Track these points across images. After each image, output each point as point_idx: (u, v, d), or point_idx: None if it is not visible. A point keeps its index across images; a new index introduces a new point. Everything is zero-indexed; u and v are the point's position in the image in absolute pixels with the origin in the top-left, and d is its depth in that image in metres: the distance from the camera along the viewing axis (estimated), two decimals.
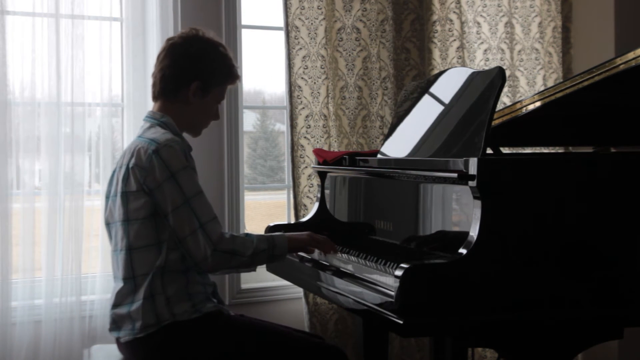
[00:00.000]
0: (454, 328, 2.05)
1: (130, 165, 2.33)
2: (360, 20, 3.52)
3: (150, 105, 2.57)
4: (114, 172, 2.51)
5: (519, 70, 3.84)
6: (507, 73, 3.73)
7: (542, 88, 3.80)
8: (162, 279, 2.32)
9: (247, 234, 2.39)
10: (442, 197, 2.28)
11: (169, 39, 2.53)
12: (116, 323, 2.37)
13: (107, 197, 2.50)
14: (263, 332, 2.41)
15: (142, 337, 2.31)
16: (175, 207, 2.28)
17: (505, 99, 3.75)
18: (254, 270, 2.53)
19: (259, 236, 2.40)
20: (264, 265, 3.05)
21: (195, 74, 2.45)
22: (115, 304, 2.37)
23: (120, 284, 2.37)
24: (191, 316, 2.32)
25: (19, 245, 2.99)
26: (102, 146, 3.14)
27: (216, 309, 2.38)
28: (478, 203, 2.07)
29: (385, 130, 3.50)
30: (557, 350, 2.14)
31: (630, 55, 2.24)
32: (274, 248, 2.39)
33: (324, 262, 2.60)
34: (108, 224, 2.48)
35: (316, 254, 2.65)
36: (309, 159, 3.40)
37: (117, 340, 2.44)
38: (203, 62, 2.47)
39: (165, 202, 2.29)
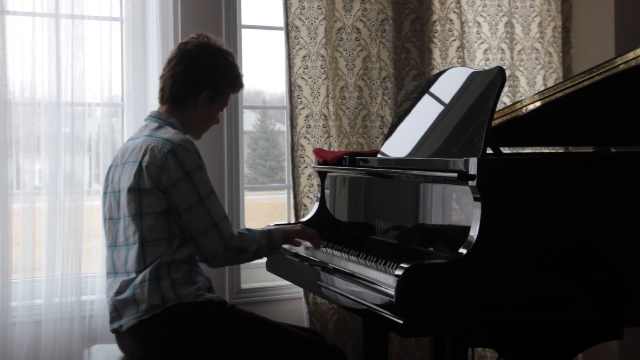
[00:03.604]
0: (454, 328, 2.05)
1: (145, 164, 2.36)
2: (360, 20, 3.52)
3: (150, 105, 2.59)
4: (110, 168, 2.55)
5: (519, 70, 3.84)
6: (507, 73, 3.73)
7: (542, 88, 3.80)
8: (169, 266, 2.37)
9: (250, 230, 2.50)
10: (442, 197, 2.28)
11: (182, 44, 2.56)
12: (118, 311, 2.39)
13: (105, 194, 2.52)
14: (265, 326, 2.45)
15: (147, 319, 2.33)
16: (190, 206, 2.36)
17: (505, 99, 3.75)
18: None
19: (260, 231, 2.51)
20: (264, 265, 3.09)
21: (206, 84, 2.52)
22: (119, 291, 2.39)
23: (126, 276, 2.39)
24: (196, 299, 2.37)
25: (19, 245, 2.99)
26: (102, 146, 3.14)
27: (220, 298, 2.45)
28: (478, 203, 2.07)
29: (385, 130, 3.50)
30: (557, 350, 2.14)
31: (630, 55, 2.24)
32: (272, 242, 2.51)
33: (314, 258, 2.61)
34: (108, 219, 2.50)
35: (302, 249, 2.77)
36: (309, 159, 3.40)
37: (118, 333, 2.44)
38: (215, 73, 2.53)
39: (180, 201, 2.35)
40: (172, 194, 2.35)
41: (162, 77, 2.55)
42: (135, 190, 2.37)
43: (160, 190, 2.36)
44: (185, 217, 2.36)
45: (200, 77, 2.51)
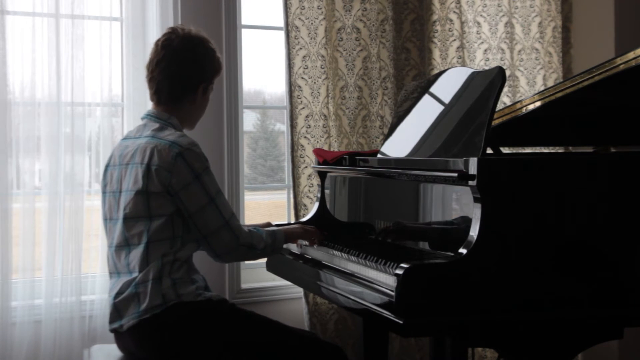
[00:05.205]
0: (454, 328, 2.05)
1: (154, 167, 2.37)
2: (360, 20, 3.52)
3: (150, 105, 2.58)
4: (107, 167, 2.55)
5: (519, 70, 3.84)
6: (507, 73, 3.73)
7: (542, 88, 3.80)
8: (171, 265, 2.38)
9: (256, 229, 2.54)
10: (442, 197, 2.28)
11: (164, 43, 2.53)
12: (119, 311, 2.39)
13: (104, 193, 2.52)
14: (266, 325, 2.47)
15: (147, 317, 2.34)
16: (201, 207, 2.39)
17: (505, 99, 3.75)
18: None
19: (265, 231, 2.56)
20: (264, 265, 3.09)
21: (201, 76, 2.56)
22: (120, 292, 2.39)
23: (129, 276, 2.40)
24: (196, 298, 2.39)
25: (19, 245, 2.99)
26: (102, 146, 3.14)
27: (219, 297, 2.46)
28: (478, 203, 2.07)
29: (385, 130, 3.50)
30: (557, 350, 2.14)
31: (630, 55, 2.24)
32: (275, 242, 2.56)
33: (314, 258, 2.62)
34: (109, 220, 2.50)
35: (295, 247, 2.82)
36: (309, 159, 3.40)
37: (117, 333, 2.44)
38: (205, 63, 2.57)
39: (191, 203, 2.38)
40: (182, 197, 2.37)
41: (152, 80, 2.54)
42: (144, 193, 2.38)
43: (169, 193, 2.37)
44: (196, 218, 2.39)
45: (195, 71, 2.54)
